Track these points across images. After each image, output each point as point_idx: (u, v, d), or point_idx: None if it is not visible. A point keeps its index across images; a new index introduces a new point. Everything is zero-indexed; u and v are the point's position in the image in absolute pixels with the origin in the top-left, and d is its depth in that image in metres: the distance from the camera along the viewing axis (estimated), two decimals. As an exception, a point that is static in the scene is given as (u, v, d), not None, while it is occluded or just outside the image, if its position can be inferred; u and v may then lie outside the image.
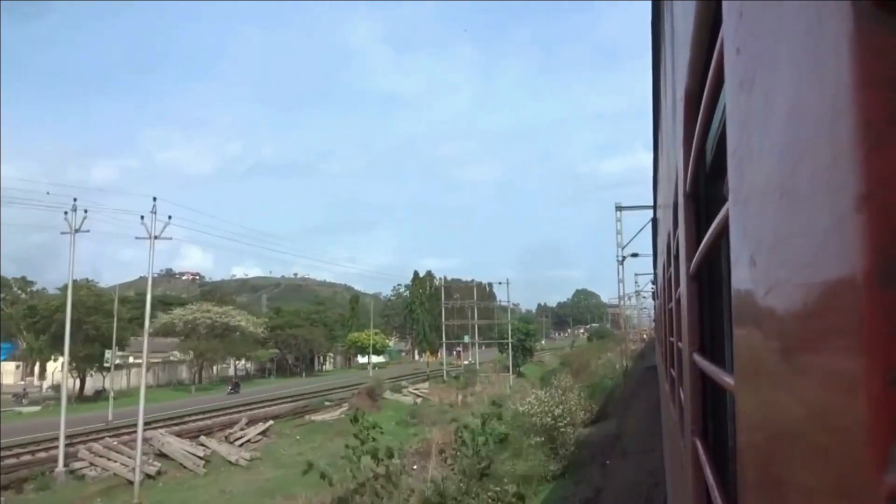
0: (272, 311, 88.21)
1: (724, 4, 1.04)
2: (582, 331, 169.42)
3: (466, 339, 67.75)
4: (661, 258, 7.03)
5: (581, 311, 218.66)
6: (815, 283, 0.58)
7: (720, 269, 1.98)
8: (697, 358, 2.12)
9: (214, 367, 65.76)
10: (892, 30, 0.45)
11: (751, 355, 0.92)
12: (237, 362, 69.27)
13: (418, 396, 49.84)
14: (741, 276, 0.95)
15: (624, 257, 38.56)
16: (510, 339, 63.30)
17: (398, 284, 74.82)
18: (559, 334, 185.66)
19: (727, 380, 1.32)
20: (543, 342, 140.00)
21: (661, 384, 11.57)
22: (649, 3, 5.22)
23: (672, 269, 3.82)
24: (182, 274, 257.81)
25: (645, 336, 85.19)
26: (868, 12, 0.46)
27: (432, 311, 70.90)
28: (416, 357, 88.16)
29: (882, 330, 0.45)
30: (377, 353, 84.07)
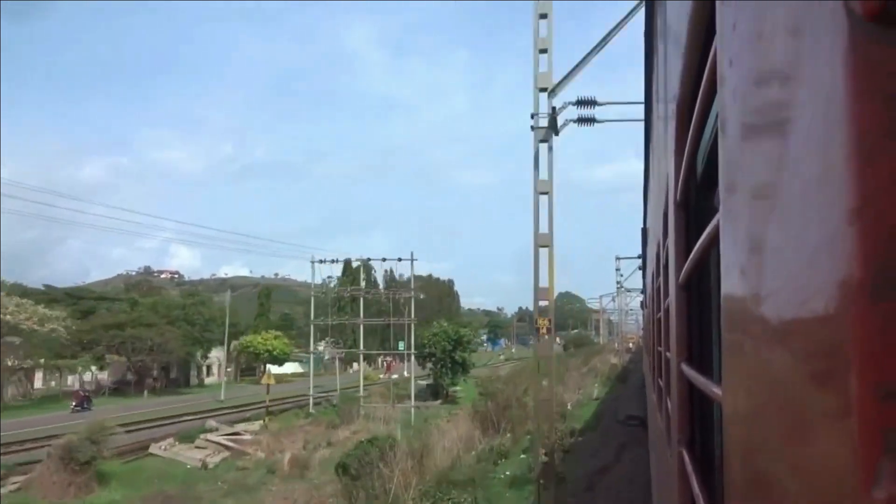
0: (127, 306, 65.80)
1: (718, 15, 1.04)
2: (558, 339, 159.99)
3: (402, 346, 48.67)
4: (651, 267, 7.06)
5: (564, 315, 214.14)
6: (806, 294, 0.58)
7: (710, 279, 1.98)
8: (685, 368, 2.12)
9: (37, 378, 49.93)
10: (884, 43, 0.46)
11: (740, 366, 0.92)
12: (80, 372, 52.47)
13: (225, 449, 29.57)
14: (731, 287, 0.95)
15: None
16: (410, 349, 44.91)
17: (328, 277, 51.70)
18: (538, 341, 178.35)
19: (715, 390, 1.31)
20: (514, 350, 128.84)
21: (648, 397, 11.50)
22: (643, 11, 5.25)
23: (661, 278, 3.83)
24: (161, 272, 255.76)
25: (632, 345, 72.22)
26: (861, 26, 0.46)
27: (369, 309, 50.24)
28: (354, 367, 65.61)
29: (874, 343, 0.45)
30: (277, 361, 64.63)
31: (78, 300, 67.07)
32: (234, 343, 65.82)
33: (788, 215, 0.63)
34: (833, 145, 0.50)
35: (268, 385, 41.68)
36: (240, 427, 34.92)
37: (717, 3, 1.05)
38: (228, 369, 67.95)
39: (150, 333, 54.13)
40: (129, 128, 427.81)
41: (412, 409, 36.95)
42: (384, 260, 44.10)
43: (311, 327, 46.92)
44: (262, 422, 36.44)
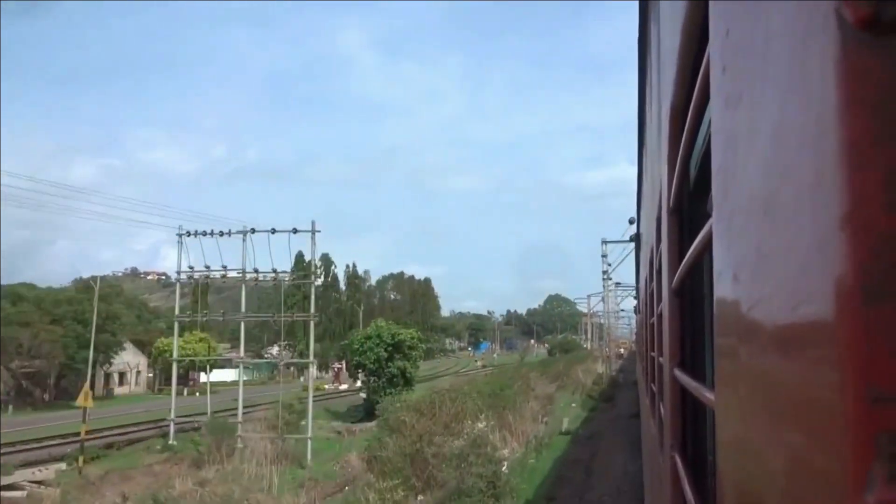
0: (7, 302, 53.86)
1: (711, 22, 1.05)
2: (544, 344, 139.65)
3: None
4: (644, 272, 7.08)
5: (552, 319, 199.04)
6: (797, 300, 0.58)
7: (702, 285, 1.99)
8: (678, 373, 2.13)
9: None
10: (875, 52, 0.46)
11: (732, 371, 0.93)
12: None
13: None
14: (724, 292, 0.95)
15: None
16: (312, 356, 32.90)
17: (284, 271, 33.75)
18: (524, 345, 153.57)
19: (708, 395, 1.32)
20: (496, 355, 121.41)
21: (640, 400, 11.54)
22: (636, 18, 5.28)
23: (654, 283, 3.84)
24: (147, 273, 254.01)
25: (623, 351, 66.81)
26: (852, 34, 0.47)
27: (326, 310, 41.58)
28: (321, 373, 58.70)
29: (864, 347, 0.46)
30: (201, 367, 50.63)
31: (20, 299, 57.75)
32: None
33: (780, 221, 0.64)
34: (824, 152, 0.50)
35: (84, 409, 27.22)
36: (29, 473, 23.10)
37: (710, 10, 1.06)
38: (149, 375, 58.69)
39: (23, 334, 43.22)
40: (121, 128, 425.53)
41: (308, 442, 25.30)
42: (273, 231, 30.60)
43: (175, 325, 35.60)
44: (76, 463, 24.99)
